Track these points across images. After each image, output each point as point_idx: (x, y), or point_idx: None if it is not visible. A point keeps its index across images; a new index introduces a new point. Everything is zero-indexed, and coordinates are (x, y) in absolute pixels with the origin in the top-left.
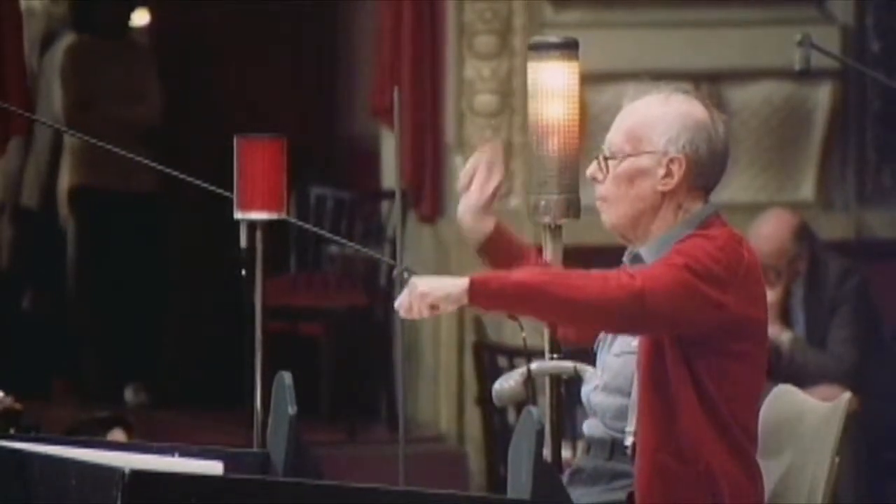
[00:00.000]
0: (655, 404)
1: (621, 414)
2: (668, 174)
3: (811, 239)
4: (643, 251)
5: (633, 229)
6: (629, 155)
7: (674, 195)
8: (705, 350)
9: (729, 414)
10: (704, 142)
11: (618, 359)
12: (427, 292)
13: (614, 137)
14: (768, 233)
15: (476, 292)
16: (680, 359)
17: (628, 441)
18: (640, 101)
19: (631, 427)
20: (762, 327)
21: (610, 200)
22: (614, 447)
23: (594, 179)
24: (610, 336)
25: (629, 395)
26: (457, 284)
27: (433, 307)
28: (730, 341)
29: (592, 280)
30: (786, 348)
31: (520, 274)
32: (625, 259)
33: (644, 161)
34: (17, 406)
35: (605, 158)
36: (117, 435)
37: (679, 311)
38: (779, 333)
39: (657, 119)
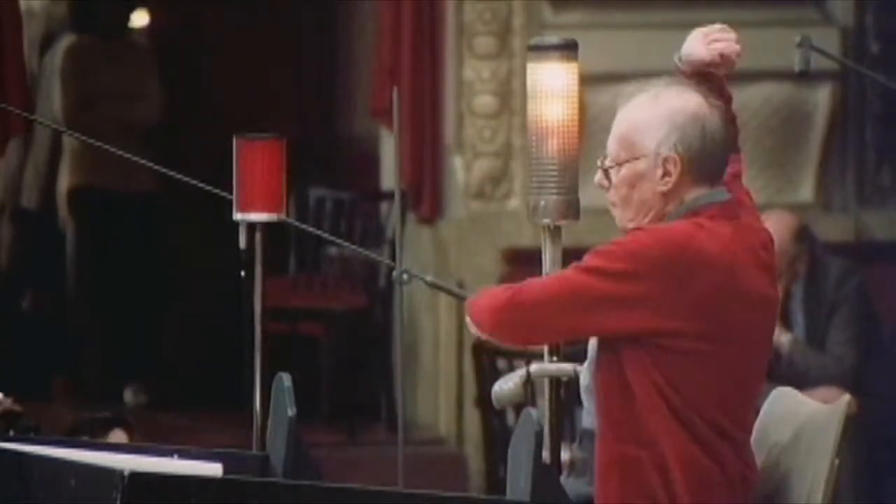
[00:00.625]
0: (612, 389)
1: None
2: (666, 174)
3: (811, 240)
4: None
5: None
6: (626, 161)
7: (675, 192)
8: (649, 346)
9: (690, 407)
10: (697, 134)
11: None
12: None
13: (611, 145)
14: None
15: None
16: (632, 351)
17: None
18: (631, 104)
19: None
20: (721, 327)
21: (618, 206)
22: None
23: (602, 187)
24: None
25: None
26: None
27: None
28: (671, 339)
29: (486, 297)
30: (785, 350)
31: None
32: None
33: (641, 165)
34: (17, 408)
35: (605, 166)
36: (118, 435)
37: (562, 314)
38: (778, 335)
39: (646, 121)
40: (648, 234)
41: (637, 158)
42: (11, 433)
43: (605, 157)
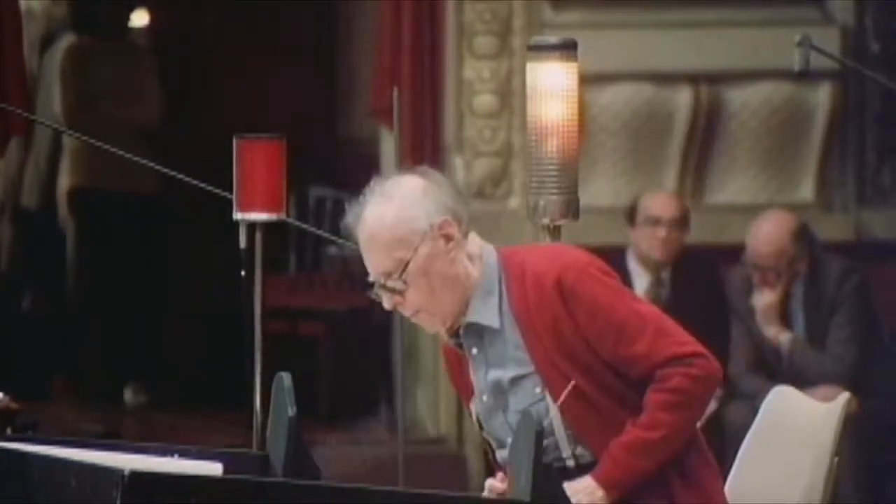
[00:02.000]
0: (599, 408)
1: (555, 450)
2: (448, 238)
3: (810, 240)
4: (480, 319)
5: (462, 311)
6: (409, 258)
7: (459, 252)
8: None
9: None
10: (443, 193)
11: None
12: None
13: (383, 262)
14: (767, 234)
15: (612, 493)
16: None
17: (571, 463)
18: (370, 217)
19: (568, 451)
20: None
21: (427, 307)
22: None
23: (398, 305)
24: (486, 399)
25: (554, 433)
26: (593, 495)
27: None
28: None
29: (678, 410)
30: (786, 349)
31: (631, 459)
32: (451, 341)
33: (423, 249)
34: (14, 406)
35: (388, 284)
36: None
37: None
38: (778, 334)
39: (399, 214)
40: (588, 263)
41: (417, 247)
42: (9, 431)
43: (379, 279)
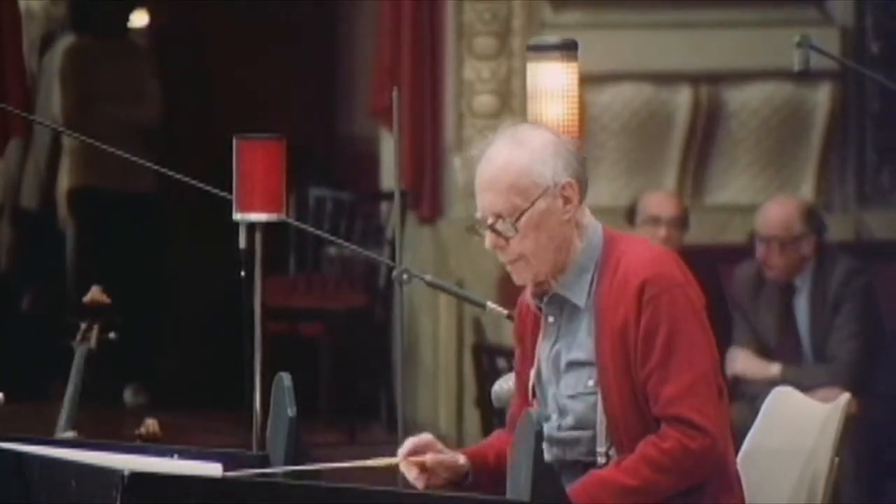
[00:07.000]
0: (647, 421)
1: (591, 442)
2: (567, 201)
3: (820, 226)
4: (567, 293)
5: (556, 272)
6: (527, 208)
7: (573, 216)
8: None
9: None
10: (572, 155)
11: (577, 401)
12: None
13: (497, 203)
14: (776, 205)
15: None
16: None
17: (602, 460)
18: (495, 157)
19: (603, 448)
20: None
21: (527, 257)
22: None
23: (498, 248)
24: (545, 370)
25: (595, 426)
26: None
27: None
28: None
29: (660, 472)
30: (778, 381)
31: (601, 494)
32: (533, 301)
33: (542, 204)
34: (106, 300)
35: (497, 226)
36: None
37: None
38: (766, 372)
39: (528, 162)
40: (678, 288)
41: (536, 200)
42: (95, 328)
43: (487, 219)
